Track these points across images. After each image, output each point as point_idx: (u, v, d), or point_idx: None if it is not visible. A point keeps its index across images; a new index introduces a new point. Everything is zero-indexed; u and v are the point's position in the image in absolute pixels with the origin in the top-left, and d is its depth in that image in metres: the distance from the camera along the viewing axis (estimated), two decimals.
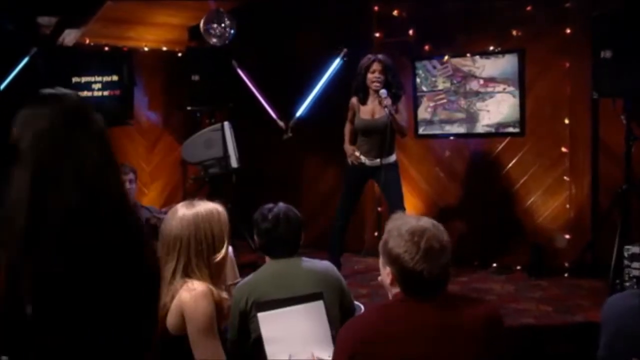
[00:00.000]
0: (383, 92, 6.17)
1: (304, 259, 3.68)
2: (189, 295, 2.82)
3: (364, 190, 6.98)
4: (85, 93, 7.10)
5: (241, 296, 3.51)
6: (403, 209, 6.29)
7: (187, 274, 2.88)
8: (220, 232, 2.96)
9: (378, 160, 6.35)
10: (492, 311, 2.68)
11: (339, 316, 3.50)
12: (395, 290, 2.64)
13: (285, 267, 3.61)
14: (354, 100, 6.49)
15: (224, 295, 2.95)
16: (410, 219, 2.65)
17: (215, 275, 2.95)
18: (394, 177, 6.46)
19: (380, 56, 6.34)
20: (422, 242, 2.53)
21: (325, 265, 3.73)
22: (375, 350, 2.52)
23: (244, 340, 3.48)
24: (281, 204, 3.75)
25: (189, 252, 2.88)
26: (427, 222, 2.63)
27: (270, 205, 3.74)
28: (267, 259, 3.69)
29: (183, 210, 2.94)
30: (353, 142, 6.56)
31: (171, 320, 2.86)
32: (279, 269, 3.61)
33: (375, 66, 6.28)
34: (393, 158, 6.46)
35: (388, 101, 6.11)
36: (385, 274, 2.63)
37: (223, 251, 2.96)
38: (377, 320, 2.63)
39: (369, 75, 6.30)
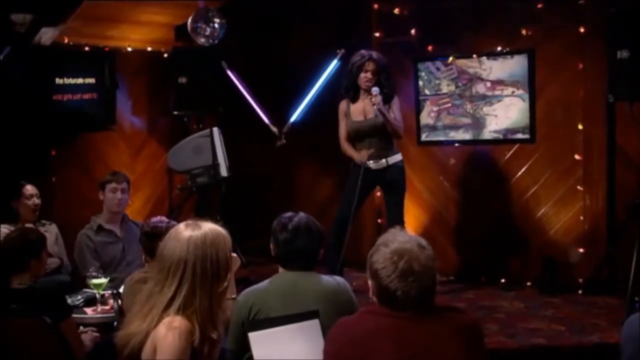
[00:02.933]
0: (375, 89, 6.10)
1: (317, 274, 3.73)
2: (167, 331, 2.73)
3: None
4: (64, 96, 7.03)
5: (245, 303, 3.57)
6: (401, 221, 6.23)
7: (186, 303, 2.77)
8: (226, 259, 2.87)
9: (384, 160, 6.27)
10: (473, 324, 2.84)
11: None
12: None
13: (297, 280, 3.65)
14: (343, 104, 6.42)
15: (214, 335, 2.84)
16: (400, 237, 2.81)
17: (215, 306, 2.85)
18: (399, 185, 6.37)
19: (374, 55, 6.28)
20: (401, 262, 2.69)
21: (336, 281, 3.76)
22: (357, 352, 2.73)
23: (243, 351, 3.46)
24: (302, 214, 3.80)
25: (194, 278, 2.78)
26: (414, 242, 2.77)
27: (290, 214, 3.79)
28: (280, 269, 3.74)
29: (189, 231, 2.84)
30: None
31: (145, 355, 2.79)
32: (291, 281, 3.65)
33: (369, 65, 6.22)
34: (399, 157, 6.36)
35: (379, 99, 6.05)
36: (369, 284, 2.85)
37: (227, 281, 2.88)
38: (359, 324, 2.83)
39: (362, 75, 6.24)
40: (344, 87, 6.41)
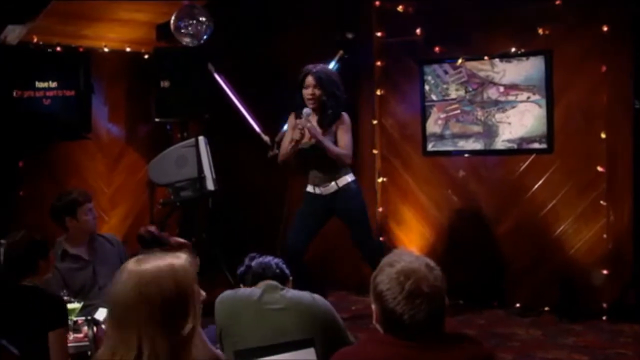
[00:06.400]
0: (306, 111, 6.16)
1: (292, 290, 3.87)
2: None
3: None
4: (33, 102, 6.95)
5: (217, 313, 3.82)
6: (379, 249, 6.24)
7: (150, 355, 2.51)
8: (186, 293, 2.58)
9: (333, 183, 6.29)
10: (488, 356, 2.82)
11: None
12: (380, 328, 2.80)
13: (273, 293, 3.79)
14: (292, 117, 6.45)
15: None
16: (407, 256, 2.78)
17: (180, 349, 2.53)
18: (357, 208, 6.36)
19: (315, 69, 6.28)
20: (408, 283, 2.65)
21: (313, 298, 3.83)
22: None
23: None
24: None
25: (139, 324, 2.50)
26: (421, 262, 2.75)
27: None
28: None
29: (130, 266, 2.60)
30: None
31: None
32: (267, 294, 3.78)
33: (308, 81, 6.24)
34: (349, 177, 6.35)
35: (305, 122, 6.11)
36: (373, 309, 2.79)
37: (190, 321, 2.57)
38: (361, 354, 2.80)
39: (303, 91, 6.28)
40: (297, 104, 6.39)
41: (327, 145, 6.15)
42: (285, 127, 7.62)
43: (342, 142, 6.26)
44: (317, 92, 6.20)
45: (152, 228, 4.42)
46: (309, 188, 6.39)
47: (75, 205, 5.52)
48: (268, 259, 3.99)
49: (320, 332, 3.62)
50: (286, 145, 6.40)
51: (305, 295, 3.81)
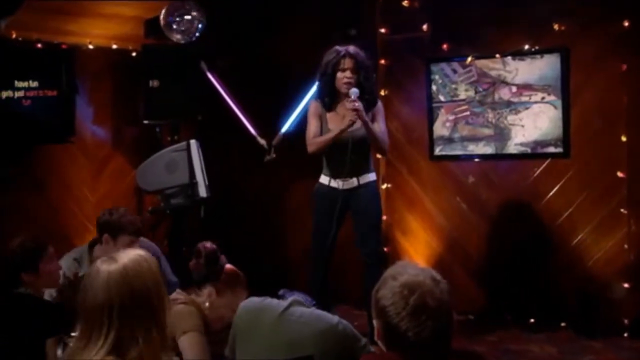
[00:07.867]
0: (354, 91, 5.91)
1: (319, 310, 3.94)
2: None
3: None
4: (11, 102, 6.86)
5: (239, 317, 3.94)
6: (376, 249, 6.11)
7: (120, 348, 2.70)
8: (156, 285, 2.83)
9: (354, 179, 6.12)
10: None
11: None
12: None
13: (299, 306, 3.87)
14: (317, 106, 6.25)
15: None
16: (411, 269, 2.77)
17: (163, 337, 2.81)
18: (375, 210, 6.22)
19: (351, 50, 6.11)
20: (413, 297, 2.64)
21: (339, 321, 3.83)
22: None
23: None
24: None
25: (129, 320, 2.72)
26: (426, 275, 2.74)
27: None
28: None
29: (106, 267, 2.80)
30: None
31: None
32: (293, 307, 3.86)
33: (347, 63, 6.06)
34: (373, 176, 6.24)
35: (359, 104, 5.86)
36: (375, 325, 2.78)
37: (166, 307, 2.85)
38: None
39: (339, 75, 6.08)
40: (319, 93, 6.26)
41: (374, 129, 5.98)
42: (291, 119, 7.58)
43: (380, 128, 6.16)
44: (356, 75, 6.02)
45: (215, 246, 4.41)
46: (324, 180, 6.19)
47: (121, 231, 5.47)
48: (301, 294, 4.06)
49: (336, 354, 3.66)
50: (313, 132, 6.18)
51: (332, 317, 3.81)
